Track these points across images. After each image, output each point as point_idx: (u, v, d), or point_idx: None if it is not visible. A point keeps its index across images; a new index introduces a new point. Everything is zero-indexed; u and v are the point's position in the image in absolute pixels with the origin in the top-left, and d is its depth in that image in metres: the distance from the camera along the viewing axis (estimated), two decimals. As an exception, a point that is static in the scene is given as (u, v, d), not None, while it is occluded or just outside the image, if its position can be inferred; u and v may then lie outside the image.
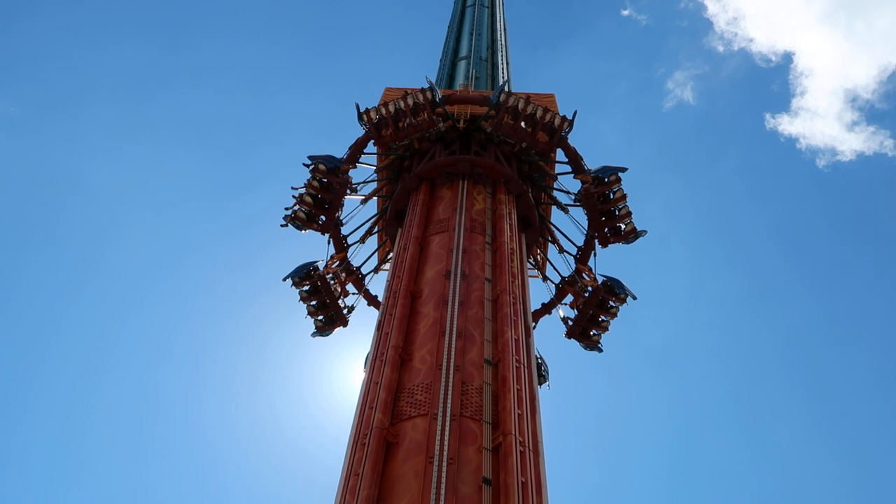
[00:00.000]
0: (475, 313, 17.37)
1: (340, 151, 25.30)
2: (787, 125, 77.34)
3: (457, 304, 17.30)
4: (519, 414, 14.84)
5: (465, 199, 21.49)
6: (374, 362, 16.64)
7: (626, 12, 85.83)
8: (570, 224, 25.48)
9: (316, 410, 61.68)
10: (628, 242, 24.37)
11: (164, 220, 71.74)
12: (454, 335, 16.30)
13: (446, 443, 13.65)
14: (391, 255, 24.14)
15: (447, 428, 13.96)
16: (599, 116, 72.32)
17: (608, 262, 25.64)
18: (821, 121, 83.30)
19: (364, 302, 26.05)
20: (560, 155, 25.51)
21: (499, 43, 34.17)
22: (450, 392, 14.78)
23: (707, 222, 76.84)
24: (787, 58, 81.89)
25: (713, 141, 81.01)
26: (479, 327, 16.96)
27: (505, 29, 37.24)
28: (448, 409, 14.37)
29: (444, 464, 13.23)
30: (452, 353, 15.78)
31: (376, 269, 26.53)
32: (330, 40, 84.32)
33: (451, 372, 15.28)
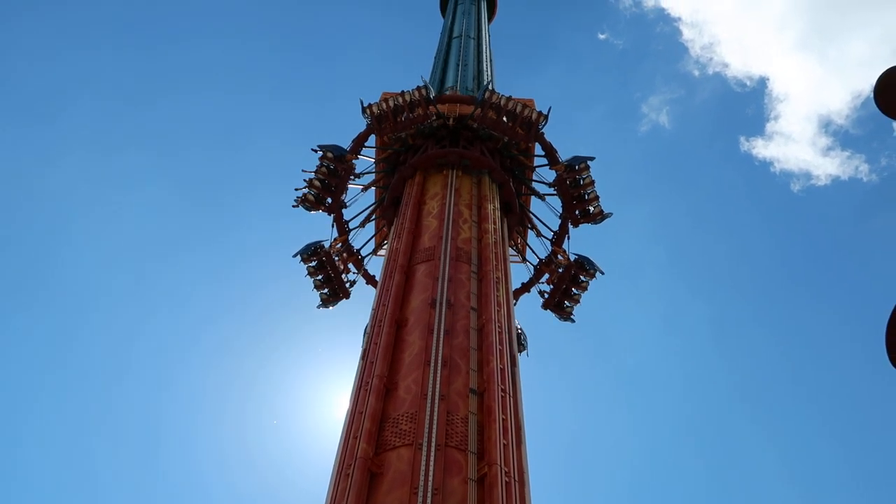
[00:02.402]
0: (460, 342, 17.31)
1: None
2: (761, 149, 77.95)
3: (442, 333, 17.23)
4: (504, 444, 14.74)
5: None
6: (359, 391, 16.50)
7: (603, 36, 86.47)
8: (547, 212, 28.65)
9: (300, 439, 61.14)
10: (596, 223, 27.91)
11: (157, 256, 71.68)
12: (440, 364, 16.21)
13: (431, 473, 13.53)
14: (386, 241, 26.64)
15: (432, 458, 13.85)
16: (574, 140, 72.30)
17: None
18: (795, 145, 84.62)
19: (363, 281, 28.82)
20: (538, 150, 28.21)
21: (485, 74, 34.45)
22: (435, 422, 14.69)
23: (681, 247, 77.13)
24: (762, 83, 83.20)
25: (688, 165, 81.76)
26: (465, 357, 16.91)
27: (491, 60, 37.54)
28: (433, 440, 14.27)
29: (429, 495, 13.10)
30: (438, 382, 15.69)
31: (374, 252, 29.60)
32: (315, 86, 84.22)
33: (437, 401, 15.18)
